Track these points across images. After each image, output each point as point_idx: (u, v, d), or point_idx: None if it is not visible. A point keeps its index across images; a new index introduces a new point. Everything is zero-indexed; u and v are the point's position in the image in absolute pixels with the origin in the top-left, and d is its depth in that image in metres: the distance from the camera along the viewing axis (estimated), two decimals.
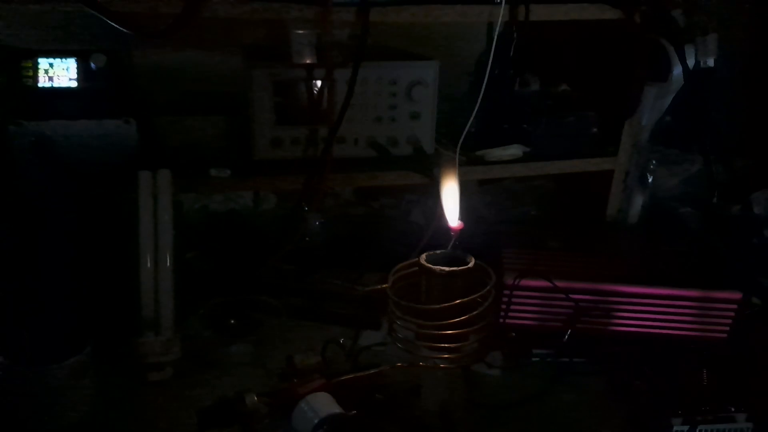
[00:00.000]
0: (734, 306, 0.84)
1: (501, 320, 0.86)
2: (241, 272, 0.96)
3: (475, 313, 0.53)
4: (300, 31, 0.82)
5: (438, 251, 0.58)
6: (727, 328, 0.85)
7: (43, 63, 0.82)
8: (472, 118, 0.90)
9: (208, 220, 1.16)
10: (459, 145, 0.92)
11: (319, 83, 0.87)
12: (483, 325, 0.55)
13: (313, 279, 0.95)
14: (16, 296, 0.69)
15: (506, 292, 0.86)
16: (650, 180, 1.04)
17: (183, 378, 0.77)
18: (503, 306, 0.86)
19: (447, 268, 0.54)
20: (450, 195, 0.59)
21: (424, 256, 0.57)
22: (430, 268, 0.54)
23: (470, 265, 0.55)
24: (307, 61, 0.85)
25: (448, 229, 0.58)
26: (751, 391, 0.69)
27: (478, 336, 0.57)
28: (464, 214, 0.99)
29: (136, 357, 0.77)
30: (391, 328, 0.58)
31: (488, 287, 0.54)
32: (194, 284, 0.90)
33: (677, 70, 0.89)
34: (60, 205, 0.78)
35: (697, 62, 0.88)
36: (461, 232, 0.91)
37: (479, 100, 0.88)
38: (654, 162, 1.03)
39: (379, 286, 0.57)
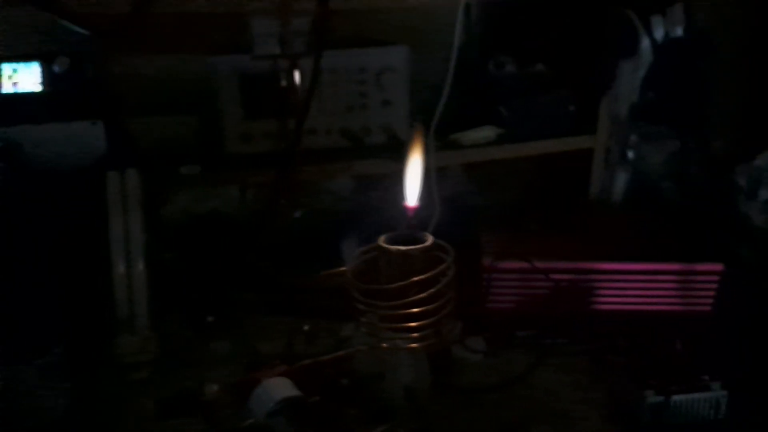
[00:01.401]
0: (716, 278, 0.83)
1: (481, 304, 0.85)
2: (220, 269, 0.96)
3: (432, 291, 0.52)
4: (261, 22, 0.82)
5: (397, 232, 0.57)
6: (711, 301, 0.84)
7: (6, 69, 0.82)
8: (443, 101, 0.89)
9: (189, 220, 1.16)
10: (432, 129, 0.91)
11: (285, 74, 0.86)
12: (444, 303, 0.54)
13: (289, 274, 0.95)
14: None
15: (485, 275, 0.85)
16: (631, 156, 1.03)
17: (161, 376, 0.77)
18: (483, 290, 0.85)
19: (403, 247, 0.53)
20: (412, 173, 0.58)
21: (382, 237, 0.56)
22: (386, 248, 0.53)
23: (427, 243, 0.54)
24: (271, 52, 0.84)
25: (405, 208, 0.57)
26: (727, 360, 0.67)
27: (444, 317, 0.56)
28: (443, 200, 0.99)
29: (113, 357, 0.76)
30: (354, 313, 0.57)
31: (446, 264, 0.53)
32: (173, 283, 0.90)
33: (645, 42, 0.88)
34: (28, 208, 0.78)
35: (666, 33, 0.87)
36: (439, 217, 0.91)
37: (448, 83, 0.87)
38: (634, 138, 1.02)
39: (339, 269, 0.56)
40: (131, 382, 0.76)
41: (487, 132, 0.95)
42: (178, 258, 0.99)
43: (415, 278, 0.51)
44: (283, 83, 0.86)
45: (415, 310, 0.52)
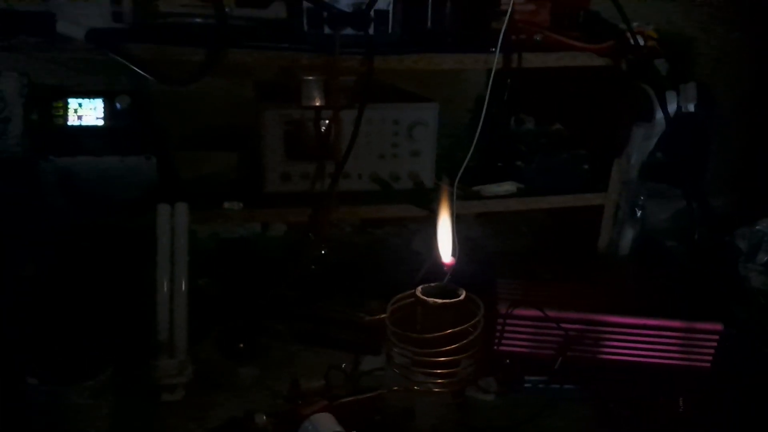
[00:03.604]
0: (716, 336, 0.88)
1: (495, 347, 0.91)
2: (250, 298, 1.01)
3: (464, 342, 0.58)
4: (309, 77, 0.89)
5: (433, 284, 0.64)
6: (710, 358, 0.89)
7: (72, 103, 0.89)
8: (469, 155, 0.96)
9: (219, 247, 1.22)
10: (457, 180, 0.98)
11: (326, 123, 0.94)
12: (473, 353, 0.60)
13: (317, 306, 1.01)
14: (47, 321, 0.75)
15: (500, 320, 0.91)
16: (639, 214, 1.09)
17: (194, 399, 0.82)
18: (497, 334, 0.91)
19: (440, 300, 0.59)
20: (444, 230, 0.64)
21: (419, 288, 0.62)
22: (425, 299, 0.59)
23: (461, 297, 0.60)
24: (316, 104, 0.92)
25: (442, 263, 0.63)
26: (725, 416, 0.73)
27: (468, 363, 0.62)
28: (462, 245, 1.05)
29: (151, 378, 0.82)
30: (388, 354, 0.63)
31: (477, 318, 0.59)
32: (205, 310, 0.95)
33: (659, 113, 0.95)
34: (82, 235, 0.84)
35: (678, 107, 0.94)
36: (457, 263, 0.97)
37: (476, 138, 0.94)
38: (642, 197, 1.09)
39: (379, 316, 0.62)
40: (167, 403, 0.81)
41: (508, 186, 1.02)
42: (210, 284, 1.05)
43: (450, 330, 0.57)
44: (324, 130, 0.93)
45: (446, 358, 0.58)
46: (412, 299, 0.62)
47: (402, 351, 0.60)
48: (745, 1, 1.40)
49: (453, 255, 0.68)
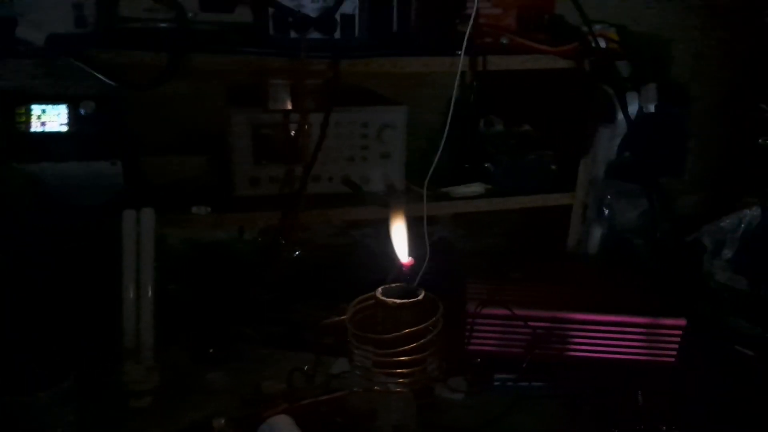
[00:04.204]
0: (679, 332, 0.90)
1: (465, 347, 0.92)
2: (222, 302, 1.01)
3: (422, 341, 0.58)
4: (276, 81, 0.89)
5: (394, 285, 0.64)
6: (674, 353, 0.91)
7: (36, 109, 0.88)
8: (437, 157, 0.97)
9: (192, 251, 1.21)
10: (426, 181, 0.99)
11: (295, 126, 0.94)
12: (432, 352, 0.61)
13: (290, 309, 1.01)
14: (7, 328, 0.74)
15: (469, 320, 0.92)
16: (607, 213, 1.11)
17: (162, 405, 0.82)
18: (467, 333, 0.92)
19: (398, 300, 0.60)
20: (399, 232, 0.65)
21: (380, 289, 0.63)
22: (383, 300, 0.60)
23: (419, 297, 0.61)
24: (283, 107, 0.92)
25: (401, 264, 0.64)
26: (685, 409, 0.74)
27: (430, 362, 0.63)
28: (435, 245, 1.06)
29: (118, 385, 0.81)
30: (350, 356, 0.63)
31: (435, 317, 0.60)
32: (176, 314, 0.95)
33: (621, 114, 0.97)
34: (45, 241, 0.83)
35: (640, 107, 0.96)
36: (429, 264, 0.98)
37: (443, 140, 0.95)
38: (610, 197, 1.10)
39: (338, 318, 0.62)
40: (134, 409, 0.80)
41: (476, 188, 1.03)
42: (182, 289, 1.04)
43: (408, 330, 0.58)
44: (293, 134, 0.94)
45: (406, 358, 0.59)
46: (373, 301, 0.62)
47: (362, 352, 0.61)
48: (721, 2, 1.43)
49: (413, 256, 0.68)
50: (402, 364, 0.59)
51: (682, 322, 0.90)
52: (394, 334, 0.57)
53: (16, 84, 0.94)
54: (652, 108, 0.96)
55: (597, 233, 1.12)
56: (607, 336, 0.92)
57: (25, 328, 0.74)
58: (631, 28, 1.08)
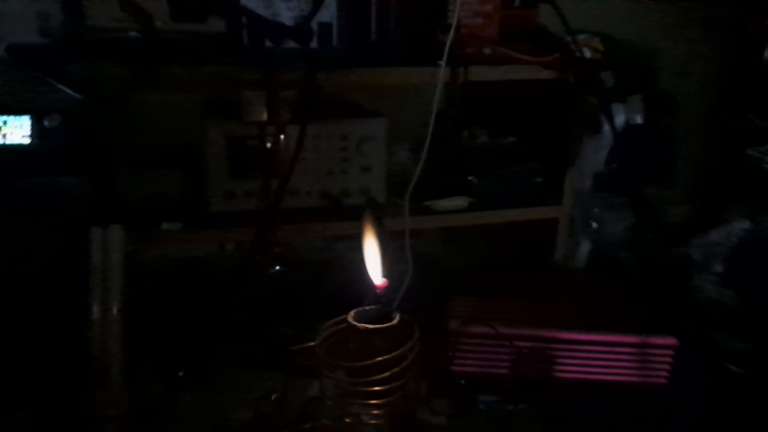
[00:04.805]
0: (670, 351, 0.87)
1: (447, 367, 0.88)
2: (196, 321, 0.97)
3: (396, 369, 0.55)
4: (250, 92, 0.86)
5: (368, 307, 0.61)
6: (666, 374, 0.88)
7: None
8: (418, 170, 0.94)
9: (168, 267, 1.17)
10: (408, 195, 0.96)
11: (270, 139, 0.91)
12: (410, 377, 0.57)
13: (266, 328, 0.97)
14: None
15: (452, 338, 0.88)
16: (594, 226, 1.09)
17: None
18: (449, 353, 0.89)
19: (370, 326, 0.57)
20: (371, 252, 0.62)
21: (352, 312, 0.59)
22: (355, 325, 0.57)
23: (394, 322, 0.57)
24: (258, 119, 0.89)
25: (374, 286, 0.61)
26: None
27: (407, 388, 0.59)
28: (417, 260, 1.03)
29: (82, 412, 0.77)
30: (321, 384, 0.60)
31: (410, 343, 0.57)
32: (149, 335, 0.91)
33: (607, 126, 0.95)
34: (9, 260, 0.79)
35: (627, 118, 0.94)
36: (410, 280, 0.95)
37: (424, 152, 0.92)
38: (597, 209, 1.08)
39: (308, 344, 0.59)
40: None
41: (458, 201, 1.00)
42: (155, 307, 1.00)
43: (380, 357, 0.54)
44: (268, 146, 0.90)
45: (379, 388, 0.55)
46: (345, 324, 0.59)
47: (333, 381, 0.57)
48: (710, 12, 1.42)
49: (394, 271, 0.65)
50: (376, 394, 0.56)
51: (672, 341, 0.87)
52: (366, 362, 0.54)
53: None
54: (638, 119, 0.94)
55: (584, 247, 1.09)
56: (595, 356, 0.89)
57: None
58: (617, 38, 1.07)
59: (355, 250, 1.30)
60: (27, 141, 0.85)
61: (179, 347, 0.91)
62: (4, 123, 0.84)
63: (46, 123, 0.85)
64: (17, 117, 0.84)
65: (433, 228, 1.18)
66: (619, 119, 0.94)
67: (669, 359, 0.88)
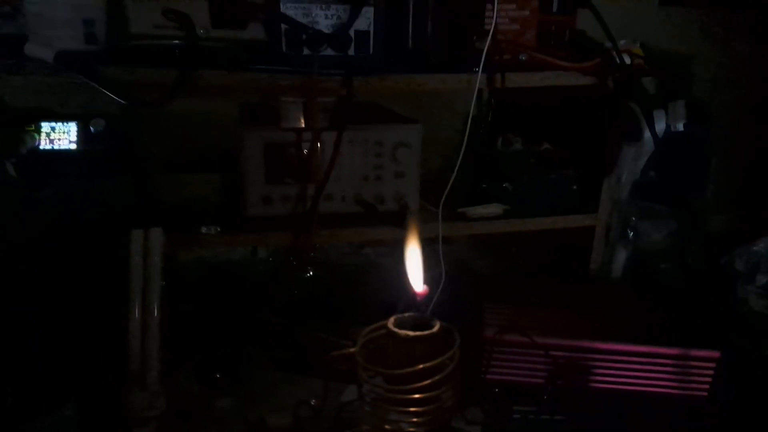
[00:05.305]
0: (713, 365, 0.85)
1: (481, 375, 0.87)
2: (232, 324, 0.98)
3: (437, 377, 0.55)
4: (288, 99, 0.87)
5: (408, 314, 0.60)
6: (707, 387, 0.86)
7: (45, 127, 0.87)
8: (453, 177, 0.93)
9: (204, 271, 1.19)
10: (442, 202, 0.95)
11: (307, 145, 0.91)
12: (448, 388, 0.57)
13: (300, 331, 0.97)
14: (4, 353, 0.72)
15: (487, 347, 0.87)
16: (631, 235, 1.06)
17: None
18: (484, 361, 0.88)
19: (411, 333, 0.56)
20: (414, 259, 0.61)
21: (392, 319, 0.59)
22: (395, 332, 0.56)
23: (435, 329, 0.57)
24: (295, 125, 0.90)
25: (414, 294, 0.60)
26: None
27: (447, 397, 0.59)
28: (451, 266, 1.02)
29: (122, 412, 0.78)
30: (360, 390, 0.59)
31: (451, 351, 0.56)
32: (186, 337, 0.92)
33: (647, 133, 0.93)
34: (49, 261, 0.81)
35: (667, 126, 0.92)
36: (444, 286, 0.94)
37: (460, 159, 0.92)
38: (634, 218, 1.06)
39: (348, 350, 0.59)
40: None
41: (493, 209, 1.00)
42: (192, 309, 1.02)
43: (422, 365, 0.54)
44: (306, 152, 0.91)
45: (419, 395, 0.55)
46: (384, 330, 0.59)
47: (372, 386, 0.57)
48: (744, 19, 1.39)
49: (427, 278, 0.65)
50: (416, 402, 0.55)
51: (715, 354, 0.85)
52: (407, 369, 0.54)
53: (25, 102, 0.93)
54: (680, 126, 0.92)
55: (621, 256, 1.07)
56: (633, 367, 0.87)
57: (23, 352, 0.72)
58: (651, 44, 1.05)
59: (384, 256, 1.31)
60: (74, 147, 0.88)
61: (215, 350, 0.93)
62: (53, 129, 0.87)
63: (91, 128, 0.87)
64: (65, 123, 0.87)
65: (464, 235, 1.17)
66: (660, 126, 0.92)
67: (711, 372, 0.85)
